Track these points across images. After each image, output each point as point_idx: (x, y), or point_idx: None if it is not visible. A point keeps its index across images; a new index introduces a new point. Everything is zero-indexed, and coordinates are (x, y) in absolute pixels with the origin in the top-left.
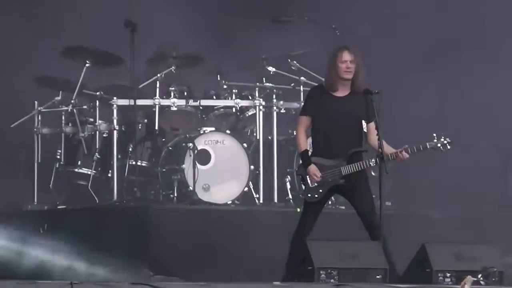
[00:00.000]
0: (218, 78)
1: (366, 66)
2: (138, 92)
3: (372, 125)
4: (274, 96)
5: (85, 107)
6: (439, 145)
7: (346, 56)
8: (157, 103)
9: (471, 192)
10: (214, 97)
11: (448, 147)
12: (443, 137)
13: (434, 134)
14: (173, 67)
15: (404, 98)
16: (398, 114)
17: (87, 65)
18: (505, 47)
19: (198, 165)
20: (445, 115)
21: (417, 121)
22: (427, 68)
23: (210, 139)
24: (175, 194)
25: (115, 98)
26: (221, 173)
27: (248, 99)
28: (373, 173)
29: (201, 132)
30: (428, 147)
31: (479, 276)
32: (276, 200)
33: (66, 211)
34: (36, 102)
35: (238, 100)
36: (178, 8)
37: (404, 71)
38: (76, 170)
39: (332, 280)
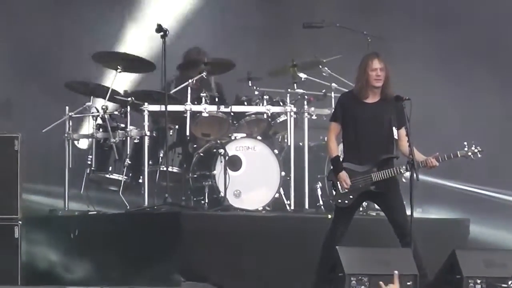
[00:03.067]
0: (250, 84)
1: (397, 72)
2: (169, 98)
3: (403, 131)
4: (305, 102)
5: (116, 112)
6: (469, 153)
7: (376, 64)
8: (188, 109)
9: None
10: (245, 103)
11: (479, 155)
12: (474, 146)
13: (465, 143)
14: (204, 73)
15: (435, 104)
16: (429, 121)
17: (118, 70)
18: None
19: (229, 171)
20: (477, 122)
21: (449, 128)
22: (458, 74)
23: (241, 145)
24: (206, 200)
25: (146, 104)
26: (252, 179)
27: (279, 105)
28: (404, 180)
29: (232, 138)
30: (459, 155)
31: (510, 282)
32: (307, 206)
33: (97, 217)
34: (67, 107)
35: (269, 106)
36: (209, 14)
37: (435, 77)
38: (107, 175)
39: (362, 287)
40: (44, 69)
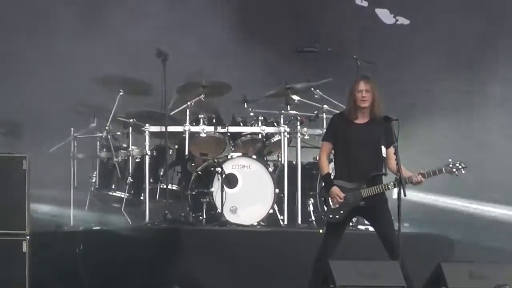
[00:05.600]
0: (245, 106)
1: (386, 94)
2: (169, 119)
3: (391, 150)
4: (298, 123)
5: (118, 133)
6: (454, 169)
7: (362, 86)
8: (187, 129)
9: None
10: (241, 124)
11: (463, 172)
12: (458, 162)
13: (450, 160)
14: (202, 95)
15: (422, 123)
16: (416, 140)
17: (120, 93)
18: None
19: (226, 189)
20: (462, 141)
21: (435, 146)
22: (446, 96)
23: (237, 164)
24: (204, 216)
25: (147, 124)
26: (247, 196)
27: (273, 125)
28: (393, 197)
29: (229, 157)
30: (444, 171)
31: None
32: (299, 222)
33: (101, 232)
34: (72, 128)
35: (264, 127)
36: (207, 39)
37: (423, 99)
38: (110, 193)
39: None
40: (51, 92)
